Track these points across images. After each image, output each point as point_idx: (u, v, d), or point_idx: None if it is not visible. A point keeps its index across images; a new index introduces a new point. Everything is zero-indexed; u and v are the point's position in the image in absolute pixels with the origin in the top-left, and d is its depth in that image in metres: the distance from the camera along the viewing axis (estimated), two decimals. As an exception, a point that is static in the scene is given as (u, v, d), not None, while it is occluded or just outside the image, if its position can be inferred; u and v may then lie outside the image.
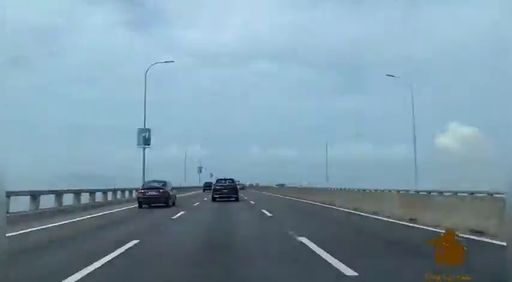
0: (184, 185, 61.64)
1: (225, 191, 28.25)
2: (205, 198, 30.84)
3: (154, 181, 22.91)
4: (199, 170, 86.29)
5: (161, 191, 21.00)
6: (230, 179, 30.28)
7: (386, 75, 40.46)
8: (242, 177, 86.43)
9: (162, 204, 20.59)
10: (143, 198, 20.80)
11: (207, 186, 55.77)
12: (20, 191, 14.49)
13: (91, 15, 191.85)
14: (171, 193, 21.93)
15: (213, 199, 27.56)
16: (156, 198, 20.70)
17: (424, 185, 33.63)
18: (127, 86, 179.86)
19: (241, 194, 32.58)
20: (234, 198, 27.50)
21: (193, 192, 51.21)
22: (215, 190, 28.73)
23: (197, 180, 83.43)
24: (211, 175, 77.84)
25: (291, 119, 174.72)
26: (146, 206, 20.62)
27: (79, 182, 42.39)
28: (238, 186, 31.32)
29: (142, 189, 21.60)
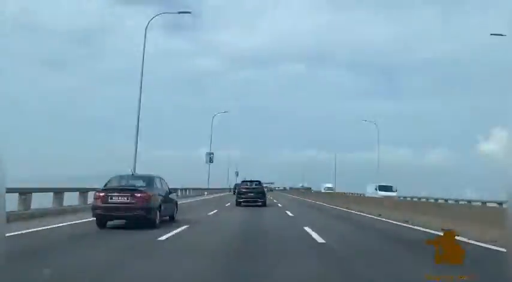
0: (211, 186, 56.43)
1: (251, 195, 25.55)
2: (229, 203, 27.12)
3: (128, 176, 13.01)
4: (210, 158, 76.01)
5: (138, 195, 11.27)
6: (257, 181, 27.60)
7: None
8: (271, 180, 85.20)
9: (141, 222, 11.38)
10: (104, 208, 11.22)
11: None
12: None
13: (127, 17, 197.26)
14: (158, 200, 12.03)
15: (238, 203, 24.99)
16: (127, 208, 11.20)
17: (468, 195, 32.98)
18: (162, 89, 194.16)
19: (269, 197, 30.30)
20: (260, 203, 24.89)
21: (220, 195, 48.53)
22: (240, 193, 26.09)
23: (218, 180, 74.54)
24: (237, 174, 73.28)
25: (323, 121, 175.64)
26: (111, 223, 11.68)
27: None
28: (265, 189, 29.09)
29: (102, 191, 11.62)
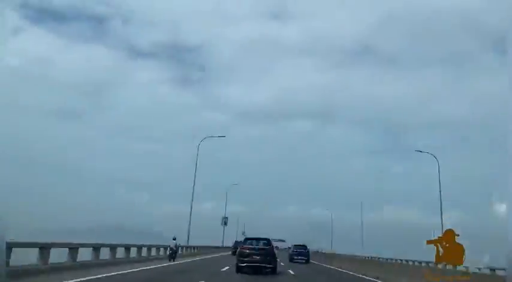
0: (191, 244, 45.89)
1: (257, 258, 19.54)
2: (225, 268, 21.46)
3: None
4: (224, 221, 67.97)
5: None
6: (265, 239, 21.89)
7: (415, 150, 46.10)
8: (276, 236, 78.18)
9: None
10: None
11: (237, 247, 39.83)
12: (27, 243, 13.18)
13: (138, 71, 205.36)
14: None
15: (238, 269, 19.22)
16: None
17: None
18: (171, 142, 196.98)
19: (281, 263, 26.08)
20: (270, 269, 19.48)
21: (212, 256, 39.52)
22: (241, 255, 19.88)
23: (225, 239, 67.61)
24: (243, 233, 67.65)
25: (320, 178, 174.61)
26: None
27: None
28: (276, 251, 22.41)
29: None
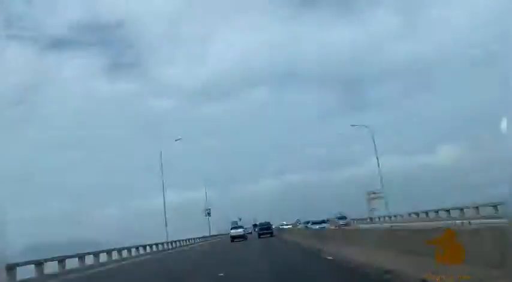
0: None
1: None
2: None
3: None
4: (207, 213, 70.01)
5: None
6: (266, 223, 44.21)
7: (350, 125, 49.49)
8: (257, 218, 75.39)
9: None
10: None
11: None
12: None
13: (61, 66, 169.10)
14: None
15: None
16: None
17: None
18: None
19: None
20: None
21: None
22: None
23: (207, 229, 69.72)
24: (239, 220, 67.51)
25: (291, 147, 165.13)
26: None
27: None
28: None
29: None
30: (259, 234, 45.47)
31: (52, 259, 18.24)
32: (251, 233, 59.15)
